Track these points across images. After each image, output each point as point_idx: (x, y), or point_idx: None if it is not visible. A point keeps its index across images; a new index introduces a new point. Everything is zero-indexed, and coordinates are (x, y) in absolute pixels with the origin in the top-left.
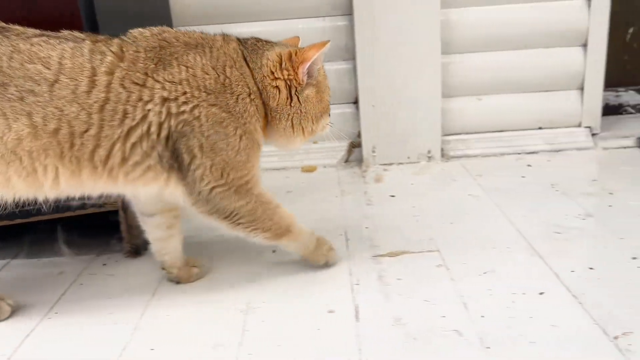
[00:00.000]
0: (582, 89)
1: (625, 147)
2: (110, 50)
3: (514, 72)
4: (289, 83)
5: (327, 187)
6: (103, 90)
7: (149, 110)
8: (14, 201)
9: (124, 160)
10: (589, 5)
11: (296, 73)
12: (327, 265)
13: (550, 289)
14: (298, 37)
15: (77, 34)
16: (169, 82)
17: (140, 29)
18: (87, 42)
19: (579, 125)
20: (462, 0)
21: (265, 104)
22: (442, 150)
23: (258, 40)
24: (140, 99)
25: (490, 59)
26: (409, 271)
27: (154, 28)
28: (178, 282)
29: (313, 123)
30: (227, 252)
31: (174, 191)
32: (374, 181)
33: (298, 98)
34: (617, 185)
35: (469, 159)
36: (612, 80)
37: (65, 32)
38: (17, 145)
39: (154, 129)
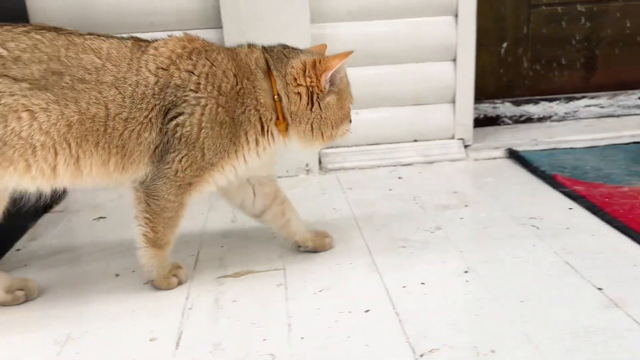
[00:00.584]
0: (453, 102)
1: (495, 158)
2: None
3: (389, 86)
4: (310, 89)
5: (194, 202)
6: (135, 73)
7: (167, 93)
8: (50, 192)
9: (139, 143)
10: (457, 22)
11: (318, 80)
12: (168, 288)
13: (377, 306)
14: (325, 44)
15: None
16: (187, 71)
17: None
18: (131, 41)
19: (452, 137)
20: (334, 15)
21: (285, 109)
22: (320, 163)
23: (285, 47)
24: (165, 84)
25: (365, 74)
26: (248, 292)
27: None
28: (315, 251)
29: (333, 128)
30: (61, 279)
31: (137, 173)
32: None
33: (319, 104)
34: (475, 197)
35: (345, 172)
36: (490, 93)
37: (109, 34)
38: (68, 132)
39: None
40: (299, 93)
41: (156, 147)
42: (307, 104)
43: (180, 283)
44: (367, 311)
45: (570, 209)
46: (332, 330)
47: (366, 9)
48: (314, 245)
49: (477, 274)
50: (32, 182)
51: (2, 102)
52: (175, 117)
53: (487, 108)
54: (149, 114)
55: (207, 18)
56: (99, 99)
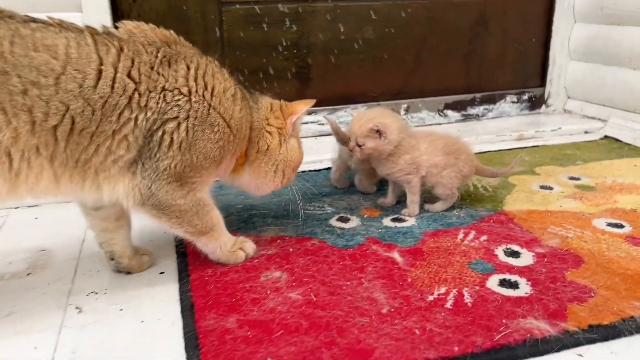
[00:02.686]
0: None
1: None
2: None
3: None
4: (279, 131)
5: None
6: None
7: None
8: None
9: (106, 157)
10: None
11: (285, 123)
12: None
13: None
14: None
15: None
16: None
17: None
18: (89, 34)
19: None
20: None
21: (250, 144)
22: None
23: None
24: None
25: None
26: None
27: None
28: (129, 273)
29: (292, 172)
30: None
31: (123, 188)
32: None
33: (286, 146)
34: None
35: None
36: None
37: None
38: (13, 144)
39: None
40: (270, 132)
41: (134, 162)
42: (278, 144)
43: (247, 257)
44: None
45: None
46: None
47: None
48: (128, 265)
49: None
50: None
51: None
52: (164, 123)
53: None
54: (121, 126)
55: None
56: (64, 111)
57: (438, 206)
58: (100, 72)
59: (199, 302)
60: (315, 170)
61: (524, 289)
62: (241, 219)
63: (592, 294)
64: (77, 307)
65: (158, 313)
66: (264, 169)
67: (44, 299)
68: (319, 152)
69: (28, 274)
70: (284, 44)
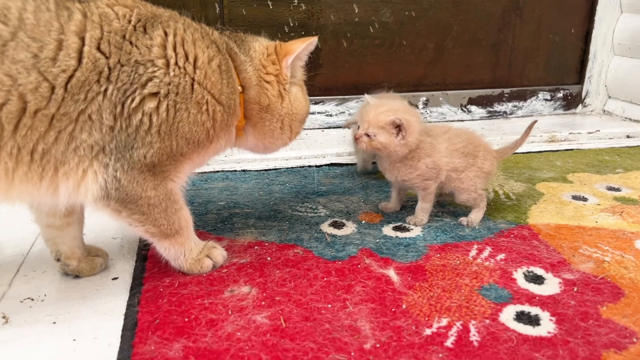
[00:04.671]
0: None
1: None
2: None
3: None
4: (277, 79)
5: None
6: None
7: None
8: None
9: (67, 144)
10: None
11: (281, 67)
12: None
13: None
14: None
15: None
16: (158, 46)
17: None
18: None
19: None
20: None
21: (248, 102)
22: None
23: (235, 30)
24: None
25: None
26: None
27: None
28: (77, 276)
29: (300, 124)
30: None
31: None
32: None
33: (289, 97)
34: None
35: None
36: None
37: None
38: None
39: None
40: (269, 82)
41: (99, 148)
42: (279, 96)
43: (215, 266)
44: None
45: None
46: None
47: None
48: (77, 267)
49: None
50: None
51: None
52: (142, 101)
53: None
54: (87, 105)
55: None
56: (9, 86)
57: (474, 217)
58: (60, 42)
59: (144, 320)
60: (316, 166)
61: (547, 326)
62: (220, 218)
63: (634, 340)
64: (3, 317)
65: (96, 330)
66: (269, 127)
67: None
68: (322, 146)
69: None
70: (291, 24)
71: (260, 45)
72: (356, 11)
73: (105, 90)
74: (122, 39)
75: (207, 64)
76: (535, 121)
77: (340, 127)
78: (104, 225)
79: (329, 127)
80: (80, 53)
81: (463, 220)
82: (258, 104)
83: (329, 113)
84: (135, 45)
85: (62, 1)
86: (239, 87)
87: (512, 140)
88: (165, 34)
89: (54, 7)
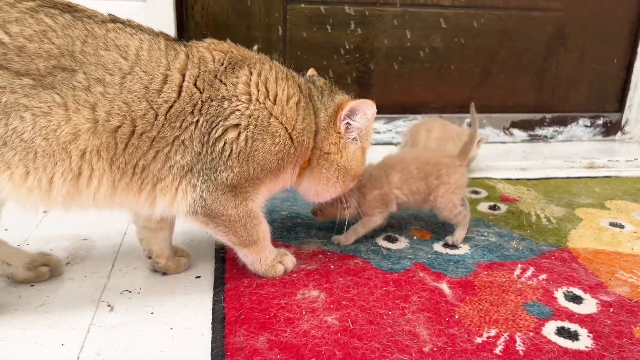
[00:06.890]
0: None
1: None
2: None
3: None
4: (338, 133)
5: None
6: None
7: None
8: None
9: (164, 163)
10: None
11: (335, 120)
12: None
13: None
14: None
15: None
16: (243, 83)
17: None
18: (162, 38)
19: None
20: None
21: (314, 149)
22: None
23: (329, 80)
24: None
25: None
26: None
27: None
28: (164, 273)
29: (351, 181)
30: None
31: (175, 198)
32: None
33: (347, 151)
34: None
35: None
36: None
37: (134, 22)
38: (72, 142)
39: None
40: (339, 133)
41: (188, 169)
42: (337, 148)
43: (286, 271)
44: None
45: None
46: None
47: None
48: (165, 265)
49: None
50: (28, 194)
51: (3, 100)
52: (225, 131)
53: None
54: (182, 132)
55: None
56: (125, 112)
57: (458, 235)
58: (166, 76)
59: (231, 315)
60: None
61: (585, 341)
62: (284, 226)
63: None
64: (109, 305)
65: (189, 321)
66: (325, 175)
67: (79, 292)
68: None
69: (67, 264)
70: (347, 47)
71: (342, 99)
72: (408, 36)
73: (197, 121)
74: (214, 77)
75: (285, 101)
76: (473, 104)
77: (387, 144)
78: (184, 228)
79: (377, 144)
80: (180, 87)
81: (449, 239)
82: (320, 149)
83: (377, 130)
84: (224, 83)
85: (171, 43)
86: (314, 127)
87: (463, 143)
88: (250, 73)
89: (164, 47)
